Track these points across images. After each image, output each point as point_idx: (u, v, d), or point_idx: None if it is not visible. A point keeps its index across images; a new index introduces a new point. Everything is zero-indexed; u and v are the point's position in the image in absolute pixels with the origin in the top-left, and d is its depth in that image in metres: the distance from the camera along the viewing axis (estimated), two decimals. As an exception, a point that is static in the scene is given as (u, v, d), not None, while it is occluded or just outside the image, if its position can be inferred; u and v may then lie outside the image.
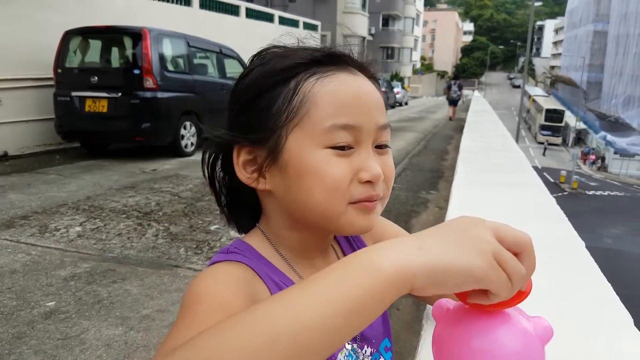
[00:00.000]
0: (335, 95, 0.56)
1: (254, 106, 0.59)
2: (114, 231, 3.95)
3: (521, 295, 0.43)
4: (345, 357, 0.61)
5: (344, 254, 0.70)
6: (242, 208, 0.67)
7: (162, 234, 3.95)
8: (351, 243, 0.73)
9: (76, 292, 2.84)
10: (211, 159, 0.65)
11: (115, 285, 2.95)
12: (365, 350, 0.65)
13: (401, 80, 40.37)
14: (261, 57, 0.62)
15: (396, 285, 0.39)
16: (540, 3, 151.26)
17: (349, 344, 0.63)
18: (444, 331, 0.47)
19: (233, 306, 0.49)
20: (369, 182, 0.56)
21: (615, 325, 0.92)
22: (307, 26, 20.01)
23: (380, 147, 0.59)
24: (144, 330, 2.45)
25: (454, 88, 18.24)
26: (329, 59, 0.59)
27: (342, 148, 0.55)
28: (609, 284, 1.12)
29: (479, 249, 0.40)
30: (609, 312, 0.99)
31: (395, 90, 26.47)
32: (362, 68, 0.61)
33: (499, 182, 2.44)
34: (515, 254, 0.42)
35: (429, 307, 0.79)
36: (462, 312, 0.46)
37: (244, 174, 0.60)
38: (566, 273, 1.23)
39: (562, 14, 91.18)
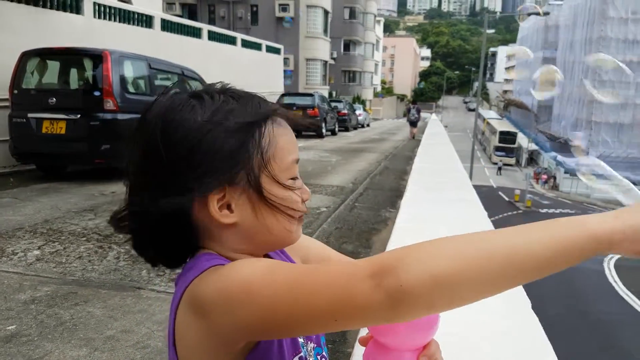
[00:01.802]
0: (287, 136, 0.70)
1: (226, 153, 0.64)
2: (74, 254, 3.90)
3: None
4: (303, 354, 0.71)
5: None
6: (172, 246, 0.70)
7: (123, 257, 3.92)
8: (280, 255, 0.81)
9: (37, 316, 2.80)
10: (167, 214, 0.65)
11: (78, 308, 2.93)
12: (310, 345, 0.75)
13: (363, 102, 41.15)
14: (215, 111, 0.65)
15: (596, 240, 0.49)
16: (493, 31, 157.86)
17: (301, 341, 0.72)
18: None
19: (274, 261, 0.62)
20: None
21: (523, 331, 1.04)
22: (270, 49, 20.23)
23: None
24: (108, 350, 2.45)
25: (413, 111, 20.63)
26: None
27: (295, 178, 0.70)
28: (525, 294, 1.25)
29: None
30: (518, 318, 1.12)
31: (357, 112, 26.92)
32: (284, 110, 0.73)
33: (442, 199, 2.62)
34: None
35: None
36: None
37: (215, 211, 0.64)
38: None
39: (513, 41, 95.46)
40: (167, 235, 0.67)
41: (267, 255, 0.75)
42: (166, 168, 0.64)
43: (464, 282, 0.49)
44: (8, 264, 3.62)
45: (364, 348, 0.68)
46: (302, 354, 0.71)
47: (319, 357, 0.76)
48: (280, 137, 0.69)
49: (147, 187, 0.66)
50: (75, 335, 2.60)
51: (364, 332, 0.76)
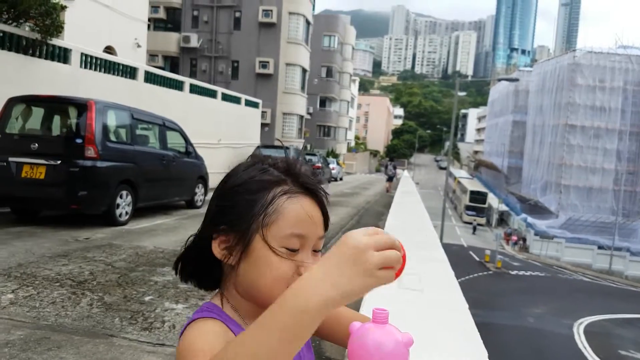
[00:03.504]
0: (296, 212, 0.78)
1: (239, 205, 0.80)
2: (47, 299, 3.94)
3: (402, 268, 0.70)
4: None
5: None
6: (205, 274, 0.89)
7: (96, 304, 3.97)
8: None
9: (10, 359, 2.85)
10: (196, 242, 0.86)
11: (51, 353, 2.98)
12: None
13: (336, 156, 41.86)
14: (250, 169, 0.84)
15: (319, 316, 0.59)
16: (464, 93, 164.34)
17: None
18: (353, 340, 0.76)
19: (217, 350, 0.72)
20: None
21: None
22: (249, 103, 20.76)
23: (315, 251, 0.82)
24: (81, 395, 2.52)
25: (390, 167, 23.88)
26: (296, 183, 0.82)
27: (292, 250, 0.78)
28: (478, 334, 1.45)
29: (366, 270, 0.60)
30: (467, 348, 1.31)
31: (331, 166, 27.41)
32: (315, 191, 0.84)
33: (413, 257, 2.83)
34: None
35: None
36: (362, 328, 0.75)
37: (218, 250, 0.81)
38: (448, 326, 1.55)
39: (484, 103, 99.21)
40: (197, 260, 0.86)
41: None
42: (211, 206, 0.85)
43: None
44: (-19, 307, 3.65)
45: None
46: None
47: None
48: (288, 210, 0.78)
49: (205, 217, 0.86)
50: (48, 379, 2.65)
51: None
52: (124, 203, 7.67)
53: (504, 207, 51.29)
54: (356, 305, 1.35)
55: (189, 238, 0.89)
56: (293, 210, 0.78)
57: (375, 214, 12.60)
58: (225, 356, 0.60)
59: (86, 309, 3.83)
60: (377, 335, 0.73)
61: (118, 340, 3.31)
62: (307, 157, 23.11)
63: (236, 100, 19.51)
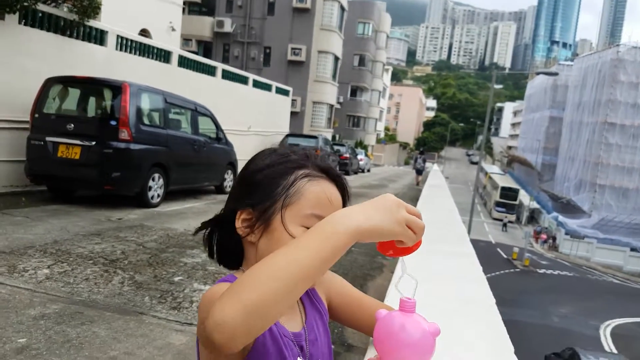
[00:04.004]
0: (316, 194, 0.84)
1: (263, 186, 0.86)
2: (81, 276, 4.09)
3: (417, 245, 0.76)
4: None
5: (300, 298, 0.93)
6: (229, 253, 0.92)
7: (127, 282, 4.10)
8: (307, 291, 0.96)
9: (46, 331, 2.98)
10: (219, 219, 0.93)
11: (84, 327, 3.10)
12: None
13: (365, 148, 41.66)
14: (273, 154, 0.90)
15: (348, 242, 0.67)
16: (501, 86, 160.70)
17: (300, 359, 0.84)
18: (379, 327, 0.78)
19: None
20: None
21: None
22: (279, 91, 20.80)
23: None
24: (111, 369, 2.62)
25: (419, 160, 23.48)
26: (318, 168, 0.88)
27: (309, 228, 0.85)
28: (504, 328, 1.44)
29: (397, 219, 0.69)
30: (493, 342, 1.32)
31: (359, 157, 27.31)
32: (337, 178, 0.89)
33: (440, 251, 2.82)
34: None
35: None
36: (389, 316, 0.78)
37: (240, 227, 0.86)
38: (474, 321, 1.55)
39: (521, 97, 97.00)
40: (223, 234, 0.91)
41: None
42: (235, 186, 0.92)
43: (270, 300, 0.62)
44: (19, 280, 3.81)
45: None
46: None
47: None
48: (309, 192, 0.84)
49: (229, 196, 0.92)
50: (80, 353, 2.76)
51: (372, 353, 0.90)
52: (156, 186, 7.84)
53: (535, 205, 50.38)
54: (381, 296, 1.38)
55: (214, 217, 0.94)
56: (313, 192, 0.84)
57: (402, 206, 12.50)
58: (261, 266, 0.65)
59: (118, 286, 3.96)
60: (404, 324, 0.75)
61: (148, 318, 3.41)
62: (335, 148, 23.05)
63: (267, 88, 19.58)
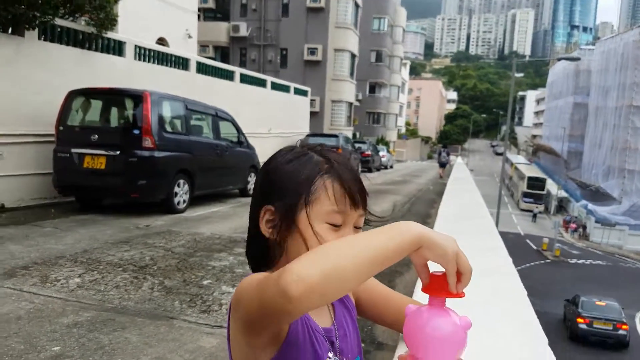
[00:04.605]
0: (338, 191, 0.85)
1: (284, 185, 0.86)
2: (111, 283, 4.15)
3: (459, 295, 0.75)
4: None
5: None
6: (259, 254, 0.92)
7: (157, 287, 4.14)
8: None
9: (79, 339, 3.02)
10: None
11: (116, 334, 3.14)
12: None
13: (387, 144, 41.46)
14: (292, 152, 0.91)
15: (413, 243, 0.70)
16: (522, 74, 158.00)
17: (332, 356, 0.86)
18: (409, 322, 0.77)
19: None
20: None
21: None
22: (298, 91, 20.86)
23: (356, 227, 0.88)
24: (144, 374, 2.64)
25: (443, 154, 24.20)
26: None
27: (335, 225, 0.84)
28: (537, 320, 1.41)
29: (452, 247, 0.72)
30: (526, 333, 1.28)
31: (381, 154, 27.14)
32: (355, 172, 0.90)
33: (467, 246, 2.77)
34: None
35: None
36: (419, 310, 0.77)
37: (264, 228, 0.87)
38: (506, 314, 1.51)
39: (543, 85, 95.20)
40: (252, 237, 0.91)
41: None
42: (257, 187, 0.92)
43: (346, 272, 0.65)
44: (52, 289, 3.88)
45: None
46: None
47: None
48: (329, 188, 0.84)
49: (252, 198, 0.93)
50: (113, 359, 2.79)
51: (402, 350, 0.91)
52: (182, 192, 7.93)
53: (563, 194, 49.40)
54: (409, 293, 1.36)
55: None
56: (335, 189, 0.84)
57: (427, 202, 12.42)
58: (342, 241, 0.71)
59: (147, 292, 4.00)
60: (434, 318, 0.74)
61: (178, 322, 3.44)
62: (357, 145, 22.95)
63: (285, 89, 19.64)
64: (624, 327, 16.18)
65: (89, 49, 9.61)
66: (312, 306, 0.65)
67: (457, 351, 0.74)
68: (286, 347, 0.78)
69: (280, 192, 0.86)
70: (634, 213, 37.47)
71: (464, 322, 0.74)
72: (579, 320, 16.39)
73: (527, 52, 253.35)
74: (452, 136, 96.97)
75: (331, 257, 0.66)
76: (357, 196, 0.87)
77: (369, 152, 22.90)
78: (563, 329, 17.97)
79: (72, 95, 7.77)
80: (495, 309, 1.52)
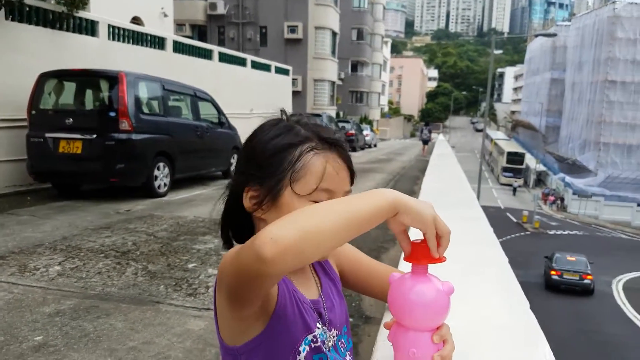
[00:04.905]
0: (324, 168, 0.83)
1: (268, 161, 0.84)
2: (93, 270, 4.04)
3: (441, 259, 0.75)
4: (319, 335, 0.86)
5: (314, 268, 0.97)
6: (240, 227, 0.92)
7: (141, 273, 4.05)
8: (320, 262, 0.99)
9: (62, 327, 2.93)
10: (231, 194, 0.91)
11: (100, 320, 3.05)
12: (332, 331, 0.91)
13: (370, 123, 41.39)
14: (276, 127, 0.88)
15: (390, 208, 0.70)
16: (500, 51, 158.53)
17: (320, 326, 0.87)
18: (393, 290, 0.78)
19: None
20: None
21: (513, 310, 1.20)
22: (279, 70, 20.55)
23: None
24: (131, 361, 2.57)
25: (425, 131, 24.65)
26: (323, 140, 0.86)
27: (318, 202, 0.81)
28: (518, 285, 1.41)
29: (429, 211, 0.73)
30: (508, 298, 1.28)
31: (365, 132, 27.11)
32: (342, 148, 0.88)
33: (451, 217, 2.77)
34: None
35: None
36: (402, 278, 0.78)
37: (248, 204, 0.86)
38: (488, 280, 1.51)
39: (521, 61, 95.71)
40: (231, 211, 0.90)
41: None
42: (240, 162, 0.90)
43: (321, 233, 0.65)
44: (31, 278, 3.76)
45: (387, 331, 0.82)
46: (315, 332, 0.85)
47: (339, 343, 0.92)
48: (315, 166, 0.82)
49: (235, 173, 0.92)
50: (99, 346, 2.72)
51: (387, 318, 0.92)
52: (162, 175, 7.77)
53: (541, 168, 50.36)
54: (395, 263, 1.35)
55: (222, 194, 0.94)
56: (320, 166, 0.82)
57: (410, 178, 12.45)
58: (320, 205, 0.72)
59: (131, 277, 3.91)
60: (418, 284, 0.76)
61: (164, 306, 3.37)
62: (340, 125, 22.87)
63: (266, 68, 19.34)
64: (588, 277, 19.00)
65: (60, 29, 9.26)
66: (288, 267, 0.65)
67: (441, 316, 0.76)
68: (275, 321, 0.79)
69: (264, 168, 0.84)
70: (609, 184, 38.46)
71: (446, 287, 0.76)
72: (552, 272, 19.34)
73: (506, 29, 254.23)
74: (433, 114, 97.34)
75: (306, 218, 0.66)
76: (342, 173, 0.85)
77: (352, 131, 22.84)
78: (542, 282, 20.43)
79: (44, 77, 7.49)
80: (478, 275, 1.52)
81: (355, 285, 1.07)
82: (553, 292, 19.10)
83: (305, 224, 0.64)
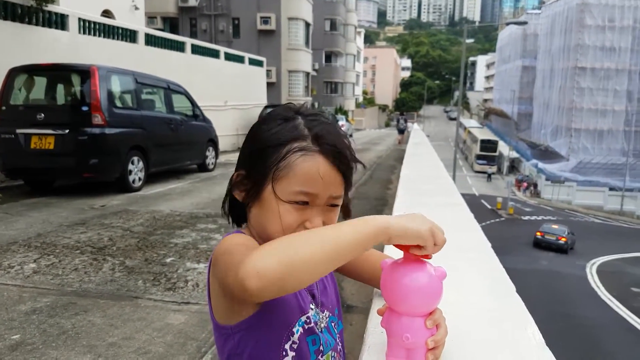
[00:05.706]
0: (307, 171, 0.80)
1: (257, 153, 0.85)
2: (69, 266, 3.99)
3: (428, 256, 0.76)
4: (312, 316, 0.88)
5: None
6: (238, 209, 0.94)
7: (118, 268, 4.02)
8: None
9: (40, 325, 2.90)
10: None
11: (78, 317, 3.03)
12: (325, 313, 0.93)
13: (345, 113, 41.44)
14: (271, 119, 0.88)
15: (378, 234, 0.70)
16: (472, 40, 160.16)
17: (313, 307, 0.90)
18: (386, 276, 0.78)
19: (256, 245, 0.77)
20: None
21: (500, 296, 1.24)
22: (253, 62, 20.39)
23: (330, 205, 0.85)
24: (112, 356, 2.56)
25: (401, 121, 25.87)
26: (314, 139, 0.83)
27: (299, 203, 0.81)
28: (503, 269, 1.45)
29: (426, 227, 0.73)
30: (495, 283, 1.33)
31: (340, 123, 27.10)
32: (337, 152, 0.84)
33: (431, 203, 2.82)
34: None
35: (377, 291, 1.08)
36: (395, 264, 0.78)
37: (237, 190, 0.88)
38: (473, 265, 1.55)
39: (493, 50, 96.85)
40: (227, 195, 0.93)
41: None
42: (241, 148, 0.91)
43: (306, 267, 0.66)
44: (6, 277, 3.70)
45: (379, 318, 0.83)
46: (309, 314, 0.88)
47: (333, 324, 0.95)
48: (300, 167, 0.80)
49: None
50: (78, 343, 2.70)
51: (377, 304, 0.93)
52: (136, 169, 7.67)
53: (514, 154, 51.17)
54: (381, 247, 1.37)
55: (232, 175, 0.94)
56: (304, 168, 0.80)
57: (387, 167, 12.55)
58: (305, 234, 0.71)
59: (109, 273, 3.88)
60: (411, 270, 0.76)
61: (143, 301, 3.35)
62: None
63: (240, 60, 19.16)
64: (563, 239, 24.09)
65: (30, 23, 9.04)
66: (272, 297, 0.67)
67: (434, 301, 0.77)
68: (270, 301, 0.78)
69: (253, 159, 0.85)
70: (581, 169, 39.36)
71: (439, 272, 0.77)
72: (537, 233, 25.06)
73: (477, 17, 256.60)
74: (408, 103, 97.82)
75: (293, 251, 0.66)
76: (329, 178, 0.82)
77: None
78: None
79: (14, 72, 7.30)
80: (463, 260, 1.55)
81: (346, 271, 1.06)
82: (537, 249, 24.48)
83: (292, 258, 0.65)
